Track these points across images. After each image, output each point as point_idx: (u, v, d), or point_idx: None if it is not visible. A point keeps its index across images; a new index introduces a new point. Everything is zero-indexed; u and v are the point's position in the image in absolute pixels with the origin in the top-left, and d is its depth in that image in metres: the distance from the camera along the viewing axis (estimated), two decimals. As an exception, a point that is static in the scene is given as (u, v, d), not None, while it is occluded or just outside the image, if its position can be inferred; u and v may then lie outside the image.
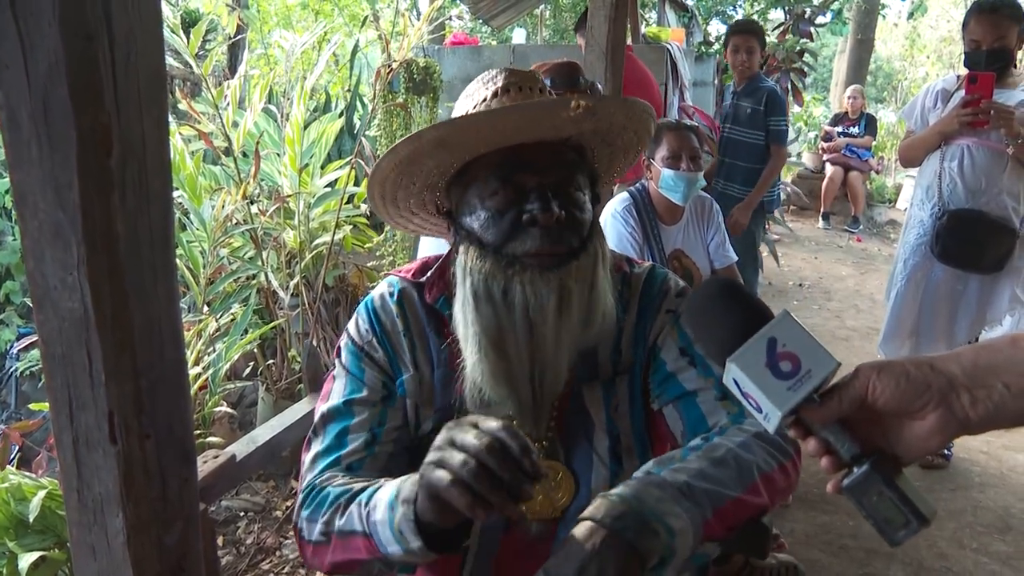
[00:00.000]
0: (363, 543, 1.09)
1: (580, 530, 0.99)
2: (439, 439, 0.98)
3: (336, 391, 1.29)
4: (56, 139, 0.95)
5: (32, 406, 2.66)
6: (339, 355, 1.33)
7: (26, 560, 1.81)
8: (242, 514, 2.99)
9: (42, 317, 1.02)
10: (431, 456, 0.97)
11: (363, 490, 1.13)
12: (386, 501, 1.06)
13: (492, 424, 0.95)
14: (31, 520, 1.82)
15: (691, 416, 1.25)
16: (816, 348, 0.84)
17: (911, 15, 10.51)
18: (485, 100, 1.24)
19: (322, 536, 1.16)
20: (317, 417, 1.29)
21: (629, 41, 4.97)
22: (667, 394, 1.28)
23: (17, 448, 2.82)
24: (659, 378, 1.29)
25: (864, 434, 0.85)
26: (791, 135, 7.93)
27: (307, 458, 1.27)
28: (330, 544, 1.15)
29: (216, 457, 1.71)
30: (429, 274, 1.34)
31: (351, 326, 1.34)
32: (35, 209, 0.99)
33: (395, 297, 1.32)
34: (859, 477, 0.82)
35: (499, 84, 1.24)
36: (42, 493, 1.87)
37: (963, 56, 3.29)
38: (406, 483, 1.04)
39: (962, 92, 3.18)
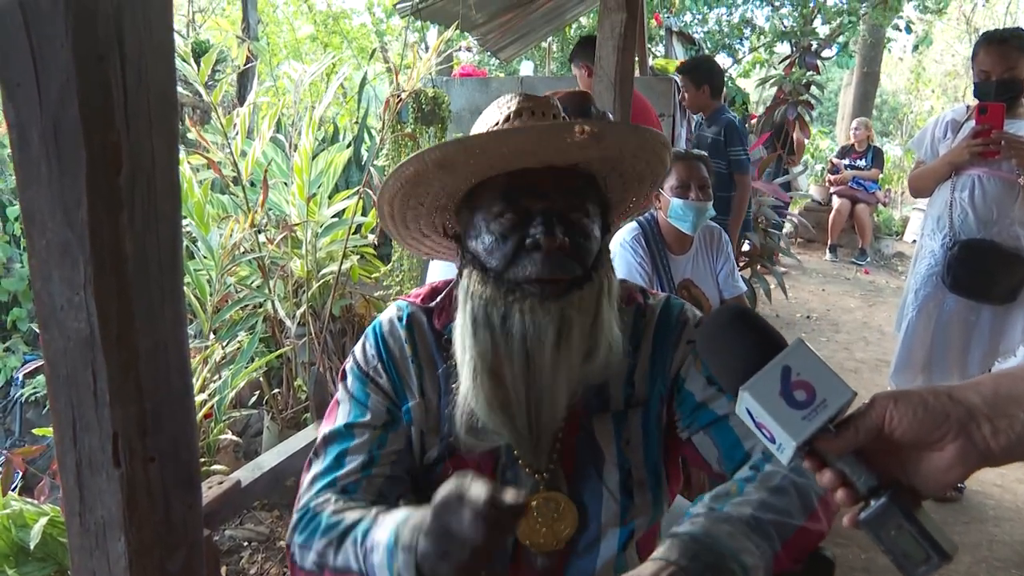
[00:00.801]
0: None
1: (650, 569, 0.97)
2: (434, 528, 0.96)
3: (340, 415, 1.28)
4: (66, 158, 0.95)
5: (36, 431, 2.64)
6: (344, 379, 1.32)
7: (26, 588, 1.78)
8: (246, 544, 2.95)
9: (48, 337, 1.01)
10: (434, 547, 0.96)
11: (357, 524, 1.11)
12: (385, 544, 1.03)
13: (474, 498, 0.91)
14: (32, 547, 1.80)
15: (726, 441, 1.22)
16: (831, 377, 0.82)
17: (916, 47, 10.57)
18: (497, 124, 1.22)
19: (315, 567, 1.14)
20: (319, 439, 1.28)
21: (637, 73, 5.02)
22: (698, 422, 1.25)
23: (20, 474, 2.80)
24: (688, 408, 1.26)
25: (881, 466, 0.82)
26: (799, 168, 7.95)
27: (306, 479, 1.25)
28: None
29: (221, 483, 1.69)
30: (439, 299, 1.32)
31: (358, 350, 1.32)
32: (43, 228, 0.98)
33: (404, 322, 1.30)
34: (877, 510, 0.80)
35: (512, 108, 1.23)
36: (44, 520, 1.85)
37: (973, 86, 3.29)
38: (404, 528, 1.02)
39: (972, 122, 3.17)
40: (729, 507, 1.06)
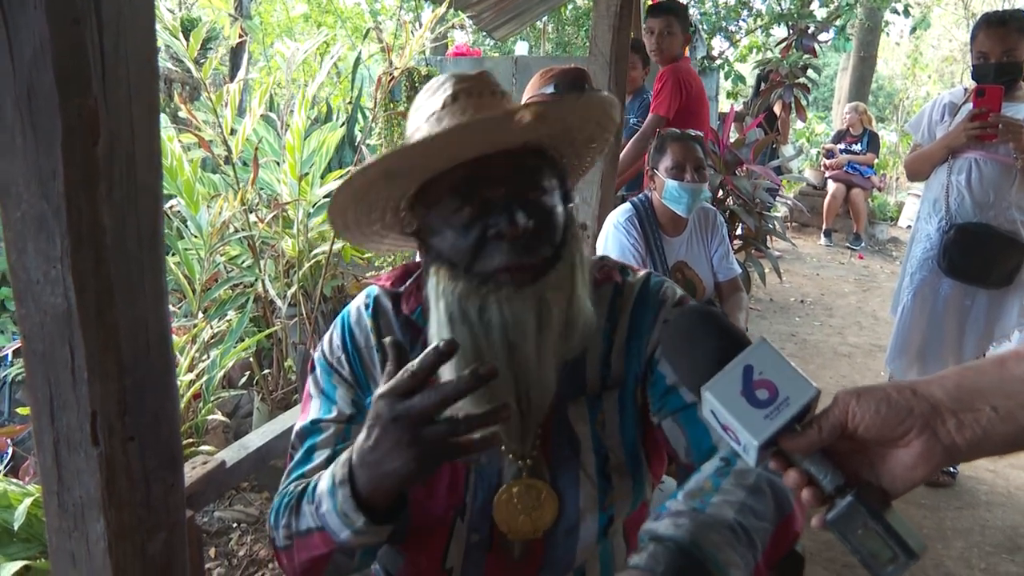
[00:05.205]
0: (319, 537, 1.08)
1: None
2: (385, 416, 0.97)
3: (311, 410, 1.26)
4: (41, 127, 0.91)
5: (20, 411, 2.60)
6: (313, 370, 1.30)
7: (9, 570, 1.76)
8: (235, 525, 2.94)
9: (23, 312, 0.99)
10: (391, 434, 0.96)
11: (307, 485, 1.13)
12: (326, 490, 1.05)
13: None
14: (16, 528, 1.78)
15: (695, 430, 1.17)
16: (794, 375, 0.80)
17: (914, 30, 10.49)
18: (435, 113, 1.16)
19: (287, 540, 1.14)
20: (293, 434, 1.27)
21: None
22: (668, 407, 1.21)
23: (9, 455, 2.77)
24: (659, 391, 1.23)
25: (851, 466, 0.81)
26: (790, 151, 7.91)
27: (285, 473, 1.25)
28: (293, 547, 1.13)
29: (205, 463, 1.66)
30: (408, 283, 1.29)
31: (325, 340, 1.30)
32: (18, 200, 0.95)
33: (370, 309, 1.28)
34: (843, 509, 0.78)
35: (448, 92, 1.16)
36: (28, 500, 1.83)
37: (971, 69, 3.26)
38: (337, 467, 1.03)
39: (970, 105, 3.14)
40: (711, 507, 1.00)
